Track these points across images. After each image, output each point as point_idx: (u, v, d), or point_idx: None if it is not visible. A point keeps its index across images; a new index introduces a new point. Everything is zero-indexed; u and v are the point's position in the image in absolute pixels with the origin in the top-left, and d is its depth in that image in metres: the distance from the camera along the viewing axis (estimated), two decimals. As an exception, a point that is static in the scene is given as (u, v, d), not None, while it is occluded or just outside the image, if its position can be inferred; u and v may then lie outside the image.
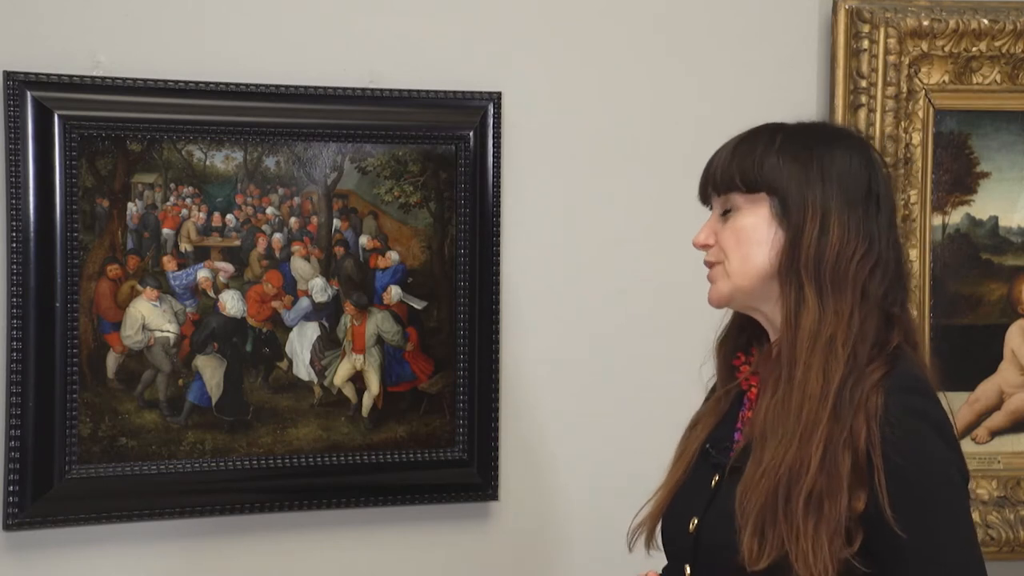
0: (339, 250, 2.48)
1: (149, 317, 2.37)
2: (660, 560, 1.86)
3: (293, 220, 2.45)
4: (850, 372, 1.66)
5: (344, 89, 2.46)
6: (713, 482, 1.78)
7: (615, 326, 2.65)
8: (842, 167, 1.73)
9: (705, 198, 1.82)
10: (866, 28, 2.69)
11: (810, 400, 1.66)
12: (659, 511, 1.84)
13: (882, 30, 2.69)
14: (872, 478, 1.63)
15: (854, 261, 1.70)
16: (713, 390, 1.90)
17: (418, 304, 2.53)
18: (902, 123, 2.71)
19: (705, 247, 1.80)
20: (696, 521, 1.77)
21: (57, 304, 2.30)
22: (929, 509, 1.64)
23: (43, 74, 2.28)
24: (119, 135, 2.34)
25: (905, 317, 1.76)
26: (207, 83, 2.37)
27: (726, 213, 1.77)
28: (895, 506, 1.62)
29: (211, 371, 2.42)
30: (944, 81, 2.74)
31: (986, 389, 2.81)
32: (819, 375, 1.66)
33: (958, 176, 2.78)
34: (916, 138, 2.73)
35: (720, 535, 1.71)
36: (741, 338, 1.85)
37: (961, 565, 1.66)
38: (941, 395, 1.74)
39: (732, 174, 1.75)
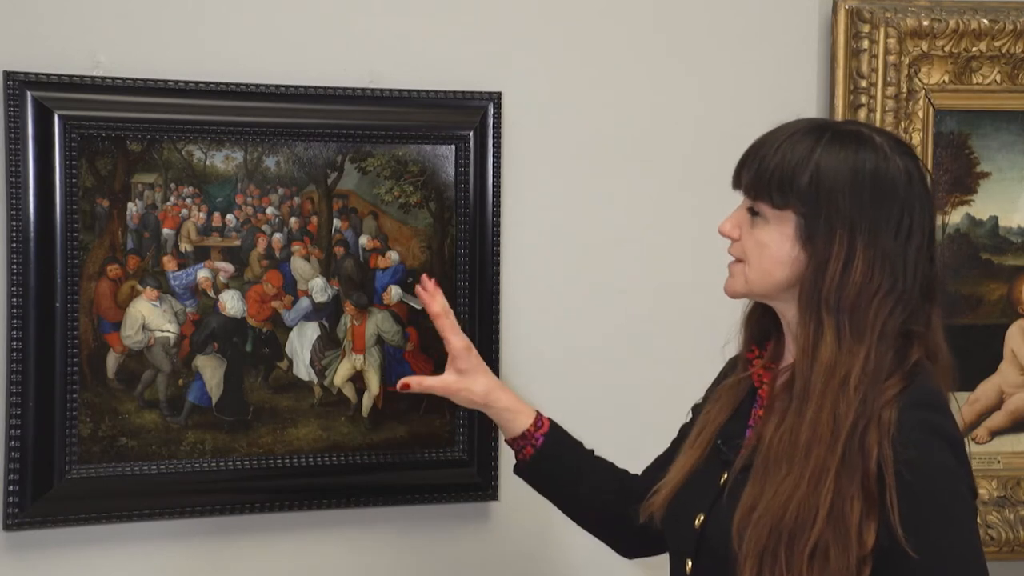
0: (339, 250, 2.48)
1: (149, 317, 2.37)
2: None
3: (293, 220, 2.45)
4: (859, 417, 1.66)
5: (344, 89, 2.46)
6: (722, 479, 1.78)
7: (615, 326, 2.65)
8: (876, 193, 1.70)
9: (736, 186, 1.80)
10: (866, 28, 2.69)
11: (820, 444, 1.66)
12: (671, 495, 1.84)
13: (882, 30, 2.69)
14: (883, 497, 1.63)
15: (876, 299, 1.69)
16: (732, 365, 1.91)
17: (418, 304, 2.53)
18: (902, 123, 2.71)
19: (730, 239, 1.80)
20: (702, 517, 1.77)
21: (57, 304, 2.30)
22: (937, 523, 1.64)
23: (43, 74, 2.28)
24: (119, 135, 2.34)
25: (928, 333, 1.76)
26: (207, 83, 2.37)
27: (753, 212, 1.77)
28: (905, 523, 1.62)
29: (211, 371, 2.42)
30: (944, 81, 2.74)
31: (986, 389, 2.81)
32: (830, 418, 1.66)
33: (958, 176, 2.78)
34: (916, 138, 2.72)
35: (725, 534, 1.71)
36: (766, 318, 1.85)
37: None
38: (952, 396, 1.74)
39: (764, 185, 1.73)
